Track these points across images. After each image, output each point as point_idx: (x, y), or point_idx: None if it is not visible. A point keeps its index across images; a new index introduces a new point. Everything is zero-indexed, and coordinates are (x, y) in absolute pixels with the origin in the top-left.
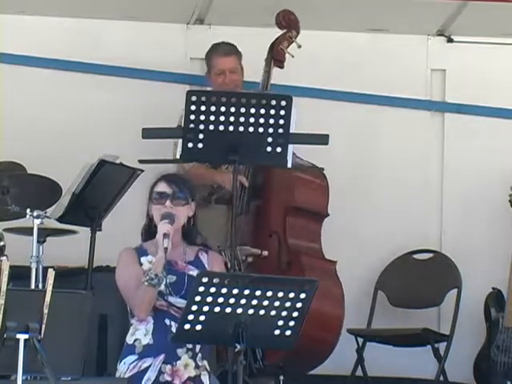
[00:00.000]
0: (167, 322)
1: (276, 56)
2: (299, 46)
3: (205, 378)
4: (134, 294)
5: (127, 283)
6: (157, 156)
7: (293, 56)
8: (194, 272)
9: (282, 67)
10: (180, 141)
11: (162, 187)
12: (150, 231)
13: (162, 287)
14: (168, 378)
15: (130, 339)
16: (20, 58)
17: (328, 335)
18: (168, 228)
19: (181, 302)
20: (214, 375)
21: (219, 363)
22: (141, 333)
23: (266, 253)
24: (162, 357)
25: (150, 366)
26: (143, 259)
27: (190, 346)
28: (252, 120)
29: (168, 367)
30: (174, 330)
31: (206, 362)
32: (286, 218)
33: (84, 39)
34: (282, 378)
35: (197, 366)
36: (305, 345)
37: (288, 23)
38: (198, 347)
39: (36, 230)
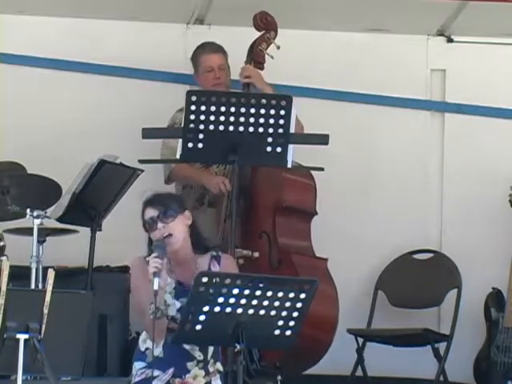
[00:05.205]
0: None
1: (255, 58)
2: (278, 47)
3: (216, 382)
4: (146, 313)
5: (141, 302)
6: (157, 156)
7: (272, 57)
8: None
9: (262, 69)
10: (170, 141)
11: (149, 213)
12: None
13: (174, 312)
14: None
15: (142, 345)
16: (20, 58)
17: (321, 333)
18: (157, 265)
19: None
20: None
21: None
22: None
23: (256, 254)
24: (171, 371)
25: (157, 376)
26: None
27: (200, 357)
28: (252, 120)
29: (177, 380)
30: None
31: (219, 364)
32: (275, 218)
33: (84, 39)
34: (279, 378)
35: (207, 373)
36: (298, 344)
37: (265, 24)
38: (209, 354)
39: (36, 229)
